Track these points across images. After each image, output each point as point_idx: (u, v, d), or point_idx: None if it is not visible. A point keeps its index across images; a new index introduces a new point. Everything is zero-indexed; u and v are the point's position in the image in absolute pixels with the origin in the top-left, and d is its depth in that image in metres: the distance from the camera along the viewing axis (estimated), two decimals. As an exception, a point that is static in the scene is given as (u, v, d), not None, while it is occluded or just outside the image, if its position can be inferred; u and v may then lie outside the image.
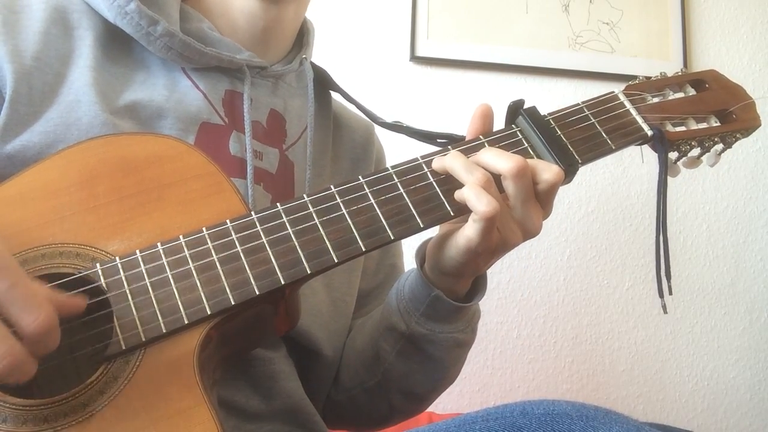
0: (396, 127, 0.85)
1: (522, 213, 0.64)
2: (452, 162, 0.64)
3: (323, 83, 0.92)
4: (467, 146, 0.68)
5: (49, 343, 0.48)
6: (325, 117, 0.91)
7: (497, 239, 0.63)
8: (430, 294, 0.70)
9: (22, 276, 0.48)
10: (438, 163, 0.66)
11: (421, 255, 0.73)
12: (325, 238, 0.61)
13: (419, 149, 0.78)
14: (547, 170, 0.64)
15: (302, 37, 0.90)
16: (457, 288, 0.71)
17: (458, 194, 0.63)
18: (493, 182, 0.62)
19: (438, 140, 0.79)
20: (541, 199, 0.65)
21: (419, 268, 0.73)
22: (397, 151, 1.03)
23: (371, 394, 0.82)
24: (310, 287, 0.78)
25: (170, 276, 0.58)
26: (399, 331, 0.75)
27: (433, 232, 0.72)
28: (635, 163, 1.74)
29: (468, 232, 0.62)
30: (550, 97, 1.74)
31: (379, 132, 0.96)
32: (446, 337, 0.73)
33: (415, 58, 1.69)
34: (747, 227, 1.80)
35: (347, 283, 0.85)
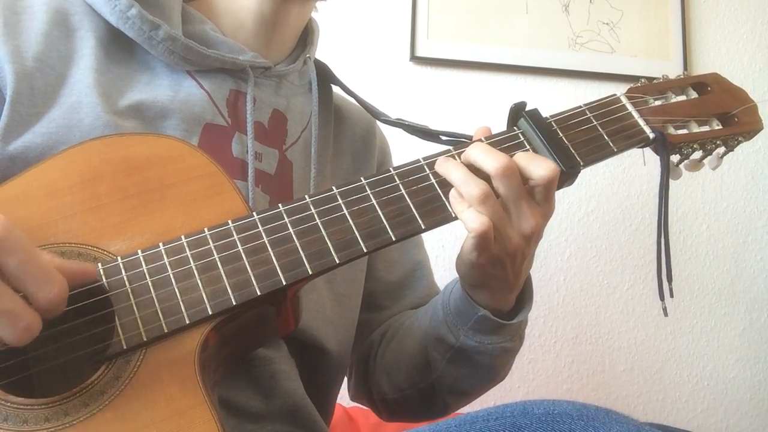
0: (398, 124, 0.85)
1: (515, 213, 0.63)
2: (453, 173, 0.64)
3: (325, 77, 0.92)
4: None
5: (58, 311, 0.50)
6: (327, 111, 0.91)
7: (497, 249, 0.63)
8: (476, 314, 0.71)
9: (34, 250, 0.49)
10: (441, 169, 0.66)
11: None
12: (326, 238, 0.61)
13: (420, 146, 0.78)
14: (539, 166, 0.63)
15: (306, 36, 0.90)
16: (497, 305, 0.71)
17: (453, 206, 0.64)
18: (492, 195, 0.62)
19: (440, 137, 0.80)
20: (539, 197, 0.64)
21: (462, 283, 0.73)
22: (398, 147, 1.03)
23: (425, 393, 0.83)
24: (311, 284, 0.78)
25: (172, 276, 0.58)
26: (448, 343, 0.76)
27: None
28: (635, 164, 1.74)
29: (467, 247, 0.64)
30: (550, 98, 1.74)
31: (381, 127, 0.96)
32: (495, 347, 0.74)
33: (415, 58, 1.69)
34: (747, 227, 1.80)
35: (350, 279, 0.85)
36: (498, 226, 0.62)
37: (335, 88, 0.94)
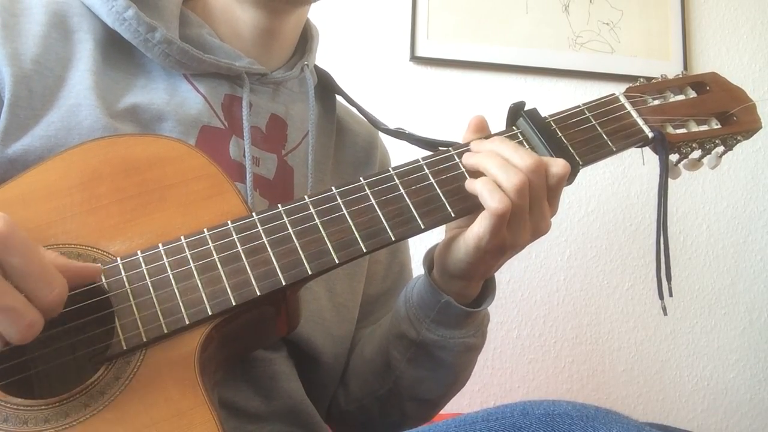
0: (398, 134, 0.85)
1: (537, 211, 0.64)
2: (489, 161, 0.64)
3: (327, 87, 0.91)
4: (468, 149, 0.68)
5: (57, 311, 0.50)
6: (329, 121, 0.90)
7: (507, 238, 0.64)
8: (440, 300, 0.70)
9: (36, 249, 0.49)
10: (472, 160, 0.66)
11: (429, 261, 0.73)
12: (326, 238, 0.61)
13: (420, 155, 0.78)
14: (554, 164, 0.65)
15: (305, 42, 0.90)
16: (466, 292, 0.71)
17: (470, 185, 0.64)
18: (528, 184, 0.62)
19: (440, 148, 0.79)
20: (550, 195, 0.65)
21: (427, 274, 0.72)
22: (400, 156, 1.02)
23: (383, 402, 0.81)
24: (312, 292, 0.78)
25: (171, 276, 0.58)
26: (409, 339, 0.74)
27: (439, 238, 0.72)
28: (635, 163, 1.73)
29: (477, 230, 0.63)
30: (550, 98, 1.74)
31: (383, 136, 0.95)
32: (457, 342, 0.73)
33: (415, 58, 1.69)
34: (747, 227, 1.80)
35: (349, 290, 0.84)
36: (516, 214, 0.63)
37: (339, 97, 0.93)
